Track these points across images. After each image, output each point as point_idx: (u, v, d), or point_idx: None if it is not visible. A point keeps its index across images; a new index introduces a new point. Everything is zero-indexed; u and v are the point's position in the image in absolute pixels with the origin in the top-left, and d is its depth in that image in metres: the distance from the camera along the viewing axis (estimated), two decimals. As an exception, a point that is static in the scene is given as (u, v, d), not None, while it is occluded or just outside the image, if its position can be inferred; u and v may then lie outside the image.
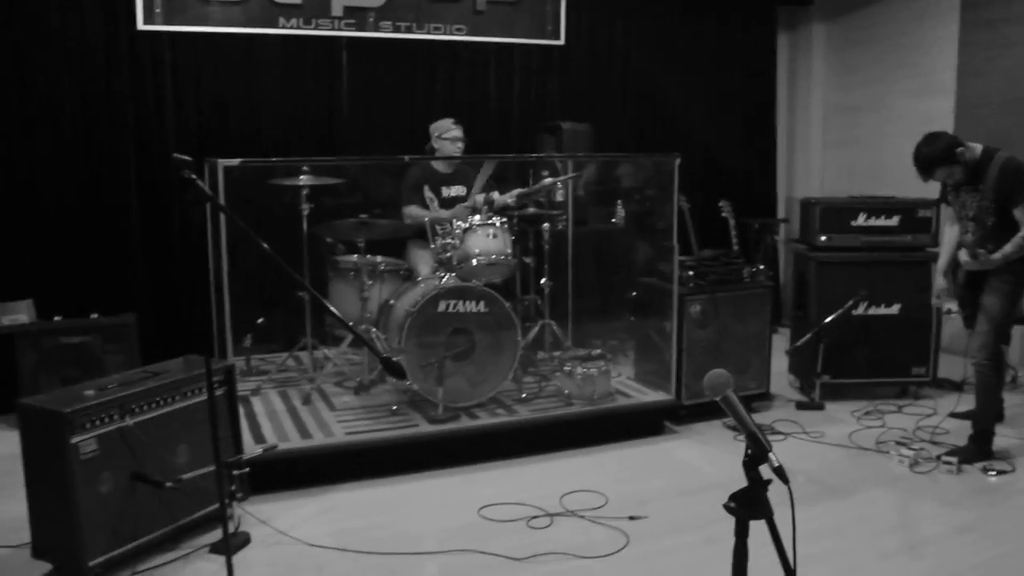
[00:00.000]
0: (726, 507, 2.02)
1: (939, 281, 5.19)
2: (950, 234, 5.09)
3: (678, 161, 5.27)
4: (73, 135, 5.94)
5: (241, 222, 3.00)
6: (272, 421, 4.96)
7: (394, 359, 2.97)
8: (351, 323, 5.60)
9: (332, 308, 3.43)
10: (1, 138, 5.79)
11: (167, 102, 6.20)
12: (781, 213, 8.58)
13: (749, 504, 2.00)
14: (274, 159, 5.07)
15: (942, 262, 5.16)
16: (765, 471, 2.06)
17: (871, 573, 3.57)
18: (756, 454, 2.00)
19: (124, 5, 5.99)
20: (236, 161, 4.34)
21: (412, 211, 5.81)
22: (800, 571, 3.58)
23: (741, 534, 2.03)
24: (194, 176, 2.95)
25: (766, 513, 1.98)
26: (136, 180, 6.13)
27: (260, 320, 5.99)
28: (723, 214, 6.83)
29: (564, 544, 3.84)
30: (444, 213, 5.73)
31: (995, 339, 4.76)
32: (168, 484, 3.67)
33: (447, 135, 5.86)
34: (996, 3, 6.75)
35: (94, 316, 5.63)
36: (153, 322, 6.14)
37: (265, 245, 2.90)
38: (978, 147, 4.74)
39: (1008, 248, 4.60)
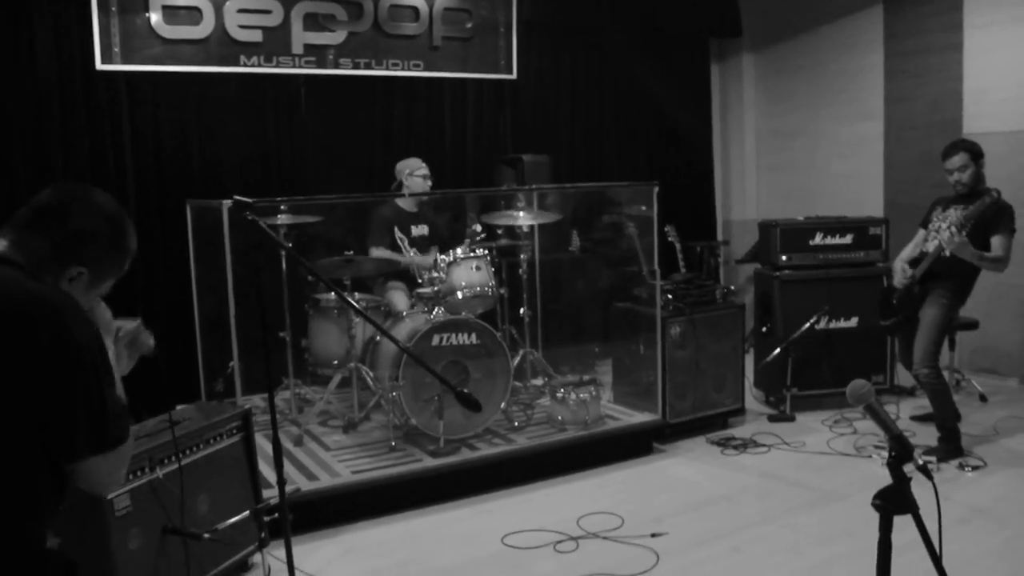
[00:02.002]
0: (873, 505, 2.12)
1: (898, 263, 5.43)
2: (919, 236, 5.44)
3: (657, 189, 5.44)
4: (27, 176, 5.70)
5: (304, 262, 3.00)
6: (271, 464, 4.86)
7: (465, 391, 3.00)
8: (335, 362, 5.58)
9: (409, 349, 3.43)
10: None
11: (125, 142, 6.05)
12: (720, 235, 8.90)
13: (895, 501, 2.11)
14: (278, 199, 5.04)
15: (906, 252, 5.46)
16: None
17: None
18: (901, 454, 2.12)
19: (80, 45, 5.84)
20: (230, 201, 4.27)
21: (380, 253, 5.82)
22: (827, 572, 3.80)
23: (886, 529, 2.14)
24: (255, 218, 2.95)
25: (912, 508, 2.10)
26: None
27: (231, 364, 5.87)
28: (669, 238, 7.04)
29: (599, 565, 3.92)
30: (416, 259, 5.76)
31: (935, 350, 5.15)
32: (206, 535, 3.58)
33: (418, 172, 5.91)
34: (917, 33, 7.23)
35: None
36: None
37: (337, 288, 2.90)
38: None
39: (985, 253, 4.96)
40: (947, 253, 4.98)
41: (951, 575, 2.25)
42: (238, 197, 2.94)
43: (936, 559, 2.15)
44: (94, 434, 1.73)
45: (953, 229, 4.93)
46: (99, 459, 1.76)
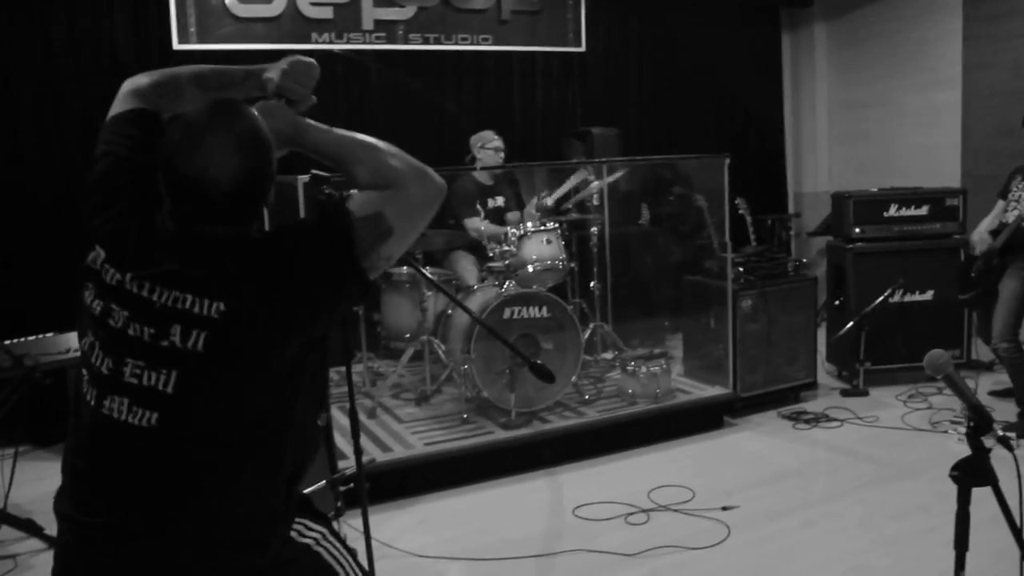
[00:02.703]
0: (951, 476, 2.12)
1: (977, 235, 5.33)
2: (998, 207, 5.32)
3: (728, 161, 5.40)
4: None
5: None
6: (345, 436, 4.97)
7: (539, 362, 3.04)
8: (407, 335, 5.66)
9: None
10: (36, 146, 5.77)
11: (201, 121, 6.18)
12: (791, 208, 8.79)
13: (974, 472, 2.10)
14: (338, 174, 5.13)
15: (984, 224, 5.34)
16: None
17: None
18: (980, 425, 2.11)
19: (157, 24, 5.99)
20: (307, 176, 4.34)
21: (475, 223, 5.84)
22: (900, 547, 3.77)
23: (964, 501, 2.13)
24: (333, 191, 3.00)
25: (991, 480, 2.09)
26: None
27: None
28: (739, 211, 6.98)
29: (670, 537, 3.94)
30: (502, 228, 5.78)
31: (1015, 323, 5.03)
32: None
33: (490, 145, 5.94)
34: (998, -3, 7.02)
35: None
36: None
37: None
38: None
39: None
40: None
41: (1028, 550, 2.22)
42: (315, 171, 2.99)
43: (1017, 532, 2.13)
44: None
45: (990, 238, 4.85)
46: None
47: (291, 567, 1.74)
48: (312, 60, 2.02)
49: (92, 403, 1.64)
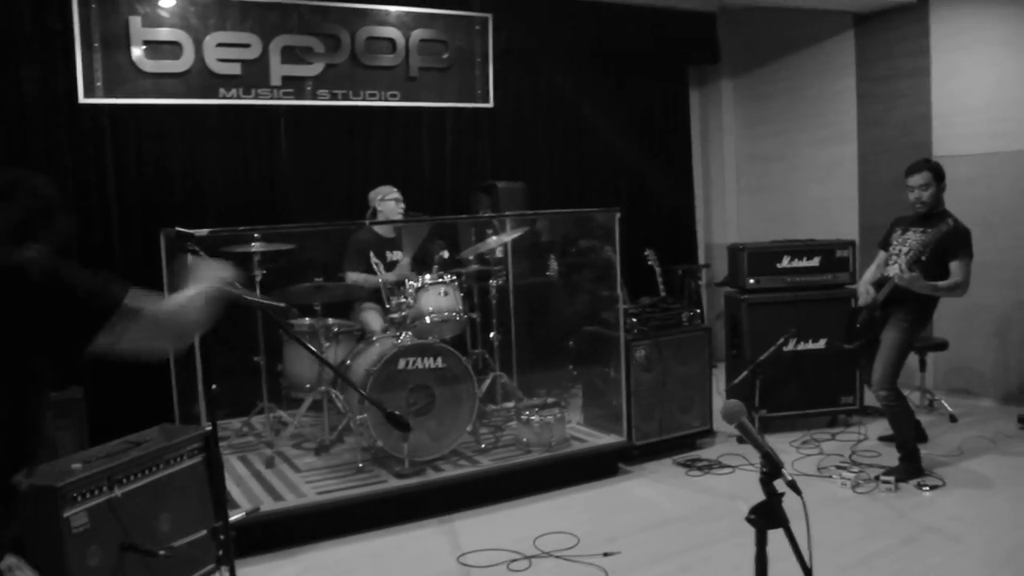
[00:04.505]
0: (748, 519, 2.24)
1: (862, 286, 5.53)
2: (880, 257, 5.52)
3: (618, 215, 5.56)
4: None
5: (247, 299, 3.13)
6: (240, 486, 5.00)
7: (396, 413, 3.13)
8: (308, 385, 5.71)
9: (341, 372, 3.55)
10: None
11: (108, 172, 6.23)
12: (702, 259, 9.01)
13: (768, 516, 2.22)
14: (243, 228, 5.19)
15: (868, 275, 5.55)
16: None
17: (837, 589, 3.87)
18: (771, 471, 2.24)
19: (64, 79, 6.04)
20: (205, 231, 4.42)
21: (354, 277, 5.97)
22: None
23: (761, 543, 2.25)
24: (197, 249, 3.09)
25: (783, 523, 2.21)
26: (78, 251, 6.11)
27: (212, 387, 6.00)
28: (649, 262, 7.15)
29: (547, 584, 4.01)
30: (389, 276, 5.88)
31: (893, 372, 5.24)
32: (162, 553, 3.70)
33: (389, 197, 6.07)
34: (887, 59, 7.35)
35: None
36: (99, 395, 6.08)
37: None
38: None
39: (939, 283, 5.06)
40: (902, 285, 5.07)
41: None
42: (180, 228, 3.08)
43: (807, 571, 2.25)
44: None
45: (902, 265, 5.04)
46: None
47: None
48: None
49: None
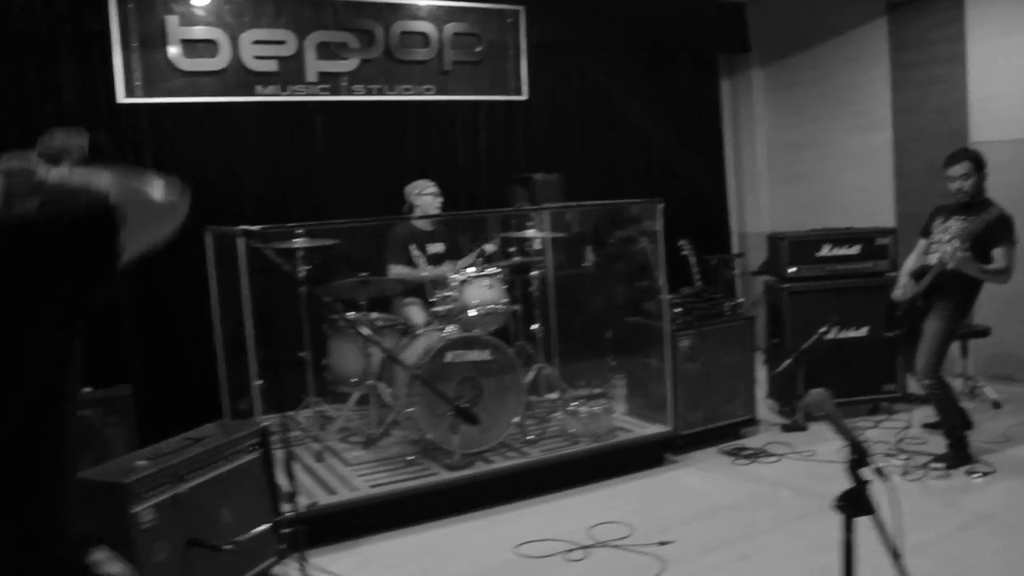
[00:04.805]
0: (835, 506, 2.24)
1: (902, 276, 5.52)
2: (920, 246, 5.50)
3: (661, 206, 5.57)
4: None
5: (304, 286, 3.17)
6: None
7: (465, 406, 3.14)
8: (354, 380, 5.74)
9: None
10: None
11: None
12: (735, 248, 9.01)
13: (856, 503, 2.22)
14: (291, 224, 5.22)
15: (908, 264, 5.53)
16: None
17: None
18: (859, 459, 2.24)
19: (103, 79, 6.08)
20: (256, 228, 4.45)
21: (397, 270, 5.98)
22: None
23: (848, 530, 2.25)
24: (261, 246, 3.11)
25: (870, 509, 2.21)
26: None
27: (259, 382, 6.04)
28: (683, 252, 7.15)
29: (607, 572, 4.04)
30: (431, 272, 5.90)
31: (937, 361, 5.22)
32: (226, 547, 3.74)
33: (426, 191, 6.08)
34: (922, 46, 7.32)
35: (87, 390, 5.61)
36: (147, 392, 6.12)
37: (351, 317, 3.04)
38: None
39: (987, 266, 5.04)
40: (950, 267, 5.05)
41: None
42: (246, 227, 3.10)
43: (896, 558, 2.25)
44: None
45: (956, 243, 5.01)
46: None
47: None
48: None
49: None
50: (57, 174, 1.62)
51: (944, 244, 5.14)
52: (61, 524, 1.50)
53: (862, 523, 2.32)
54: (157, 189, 1.67)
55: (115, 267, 1.59)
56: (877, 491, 2.27)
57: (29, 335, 1.49)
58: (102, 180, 1.62)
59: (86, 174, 1.63)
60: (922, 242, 5.50)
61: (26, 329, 1.48)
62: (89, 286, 1.57)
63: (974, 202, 5.18)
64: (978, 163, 5.20)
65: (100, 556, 1.82)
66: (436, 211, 6.13)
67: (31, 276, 1.49)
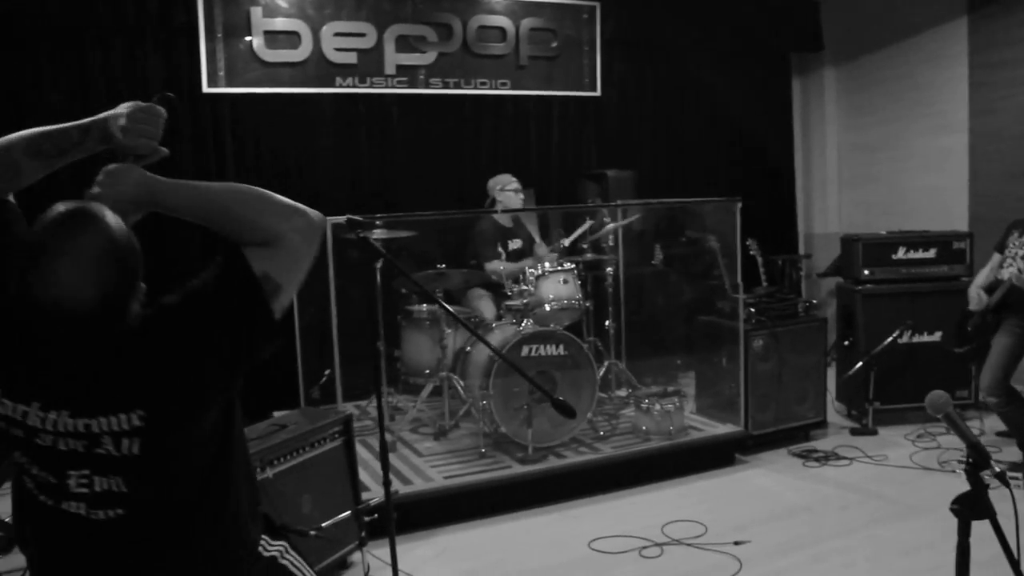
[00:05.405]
0: (952, 509, 2.23)
1: (974, 290, 5.43)
2: (995, 260, 5.42)
3: (740, 205, 5.56)
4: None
5: (409, 276, 3.23)
6: (366, 469, 5.10)
7: (561, 398, 3.18)
8: (427, 371, 5.81)
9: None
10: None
11: (228, 160, 6.40)
12: (802, 249, 8.94)
13: (973, 506, 2.21)
14: (379, 215, 5.29)
15: (981, 278, 5.45)
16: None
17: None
18: (978, 462, 2.23)
19: (187, 69, 6.21)
20: (343, 218, 4.51)
21: (495, 266, 5.97)
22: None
23: (964, 534, 2.24)
24: (366, 235, 3.17)
25: (989, 513, 2.20)
26: (201, 239, 6.28)
27: (326, 372, 6.14)
28: (751, 252, 7.14)
29: (683, 571, 4.06)
30: (518, 265, 5.93)
31: (1004, 377, 5.16)
32: (313, 532, 3.81)
33: (509, 187, 6.13)
34: (1002, 46, 7.18)
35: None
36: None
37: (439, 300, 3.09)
38: None
39: None
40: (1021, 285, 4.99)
41: (1029, 586, 2.33)
42: (351, 216, 3.16)
43: (1015, 563, 2.25)
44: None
45: (1021, 267, 4.96)
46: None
47: None
48: (153, 105, 1.81)
49: (50, 503, 1.66)
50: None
51: (1019, 260, 5.07)
52: (240, 525, 1.78)
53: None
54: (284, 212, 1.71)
55: (268, 306, 1.64)
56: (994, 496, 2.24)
57: (204, 401, 1.65)
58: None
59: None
60: (996, 256, 5.41)
61: (201, 398, 1.65)
62: (248, 337, 1.67)
63: None
64: None
65: (278, 546, 1.93)
66: (518, 207, 6.17)
67: (194, 350, 1.61)
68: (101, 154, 1.77)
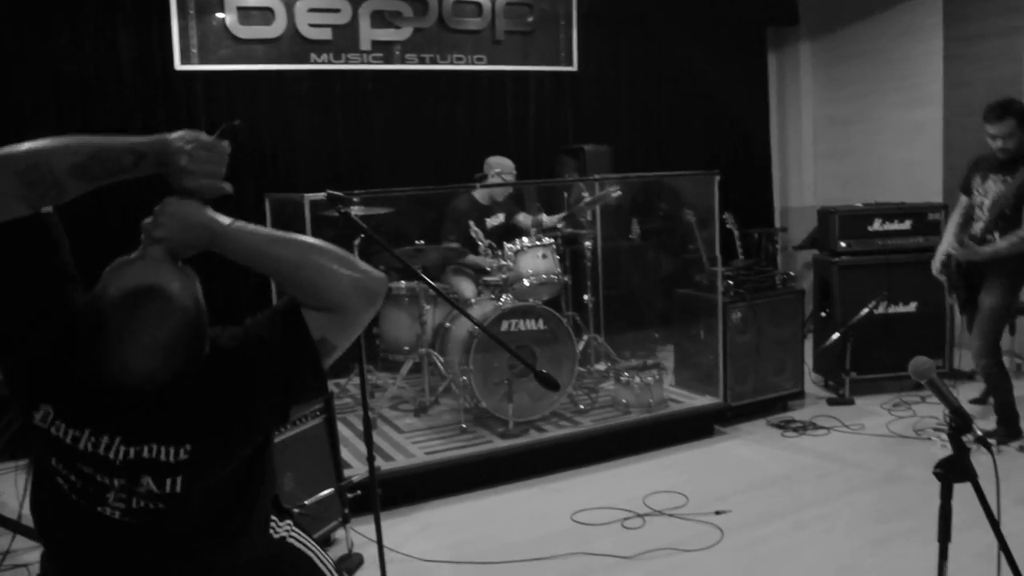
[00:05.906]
0: (935, 473, 2.26)
1: (948, 236, 5.30)
2: (962, 203, 5.31)
3: (718, 178, 5.57)
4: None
5: (392, 252, 3.22)
6: (347, 446, 5.10)
7: (544, 371, 3.19)
8: (406, 348, 5.80)
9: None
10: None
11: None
12: (778, 222, 8.99)
13: (955, 469, 2.25)
14: (357, 191, 5.24)
15: (951, 225, 5.34)
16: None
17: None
18: (960, 426, 2.26)
19: (159, 46, 6.14)
20: (322, 195, 4.49)
21: (472, 259, 5.96)
22: (887, 548, 3.93)
23: (946, 496, 2.28)
24: (347, 210, 3.15)
25: (971, 476, 2.24)
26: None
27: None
28: (727, 225, 7.15)
29: (665, 541, 4.08)
30: (479, 260, 5.89)
31: (994, 339, 5.15)
32: (296, 510, 3.81)
33: (507, 175, 6.11)
34: (976, 19, 7.22)
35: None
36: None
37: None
38: None
39: (1002, 244, 4.93)
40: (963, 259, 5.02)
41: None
42: (332, 191, 3.15)
43: (995, 523, 2.28)
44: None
45: (957, 247, 5.03)
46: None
47: (274, 563, 1.87)
48: (218, 142, 1.70)
49: (83, 503, 1.66)
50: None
51: (985, 211, 5.02)
52: (260, 525, 1.84)
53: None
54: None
55: (321, 367, 1.69)
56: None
57: (248, 442, 1.73)
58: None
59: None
60: (963, 199, 5.31)
61: (247, 440, 1.73)
62: (300, 392, 1.75)
63: (1015, 158, 4.95)
64: (1021, 119, 4.93)
65: (295, 533, 1.95)
66: (500, 189, 6.15)
67: (247, 398, 1.67)
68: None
